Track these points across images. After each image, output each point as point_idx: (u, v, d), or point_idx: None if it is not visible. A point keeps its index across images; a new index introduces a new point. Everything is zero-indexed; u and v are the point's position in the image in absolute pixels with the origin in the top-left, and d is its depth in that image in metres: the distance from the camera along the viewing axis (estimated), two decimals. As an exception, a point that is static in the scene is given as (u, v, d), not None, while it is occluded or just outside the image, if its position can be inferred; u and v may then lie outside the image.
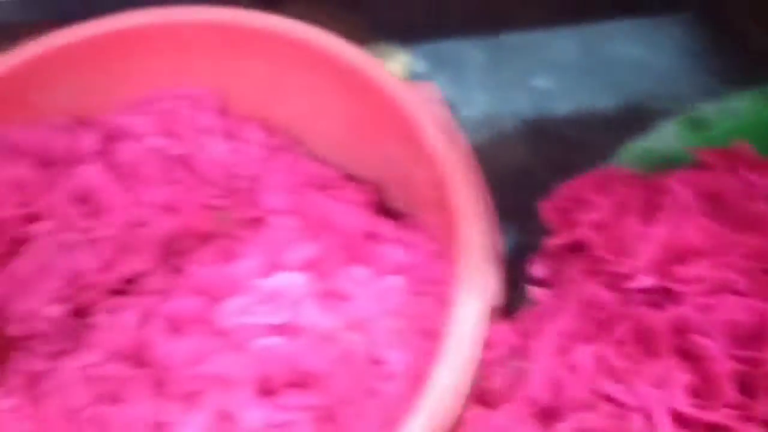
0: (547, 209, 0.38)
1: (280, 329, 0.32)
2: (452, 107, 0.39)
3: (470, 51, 0.66)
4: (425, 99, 0.36)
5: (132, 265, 0.35)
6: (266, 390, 0.31)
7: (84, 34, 0.40)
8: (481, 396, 0.34)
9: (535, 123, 0.64)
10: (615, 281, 0.34)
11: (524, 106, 0.64)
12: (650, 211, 0.36)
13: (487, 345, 0.33)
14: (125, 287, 0.35)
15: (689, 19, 0.67)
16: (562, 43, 0.66)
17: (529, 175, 0.59)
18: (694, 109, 0.47)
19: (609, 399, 0.32)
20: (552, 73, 0.65)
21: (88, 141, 0.38)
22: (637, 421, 0.31)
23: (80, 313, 0.35)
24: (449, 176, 0.33)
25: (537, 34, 0.67)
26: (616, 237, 0.35)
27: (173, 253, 0.36)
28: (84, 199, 0.36)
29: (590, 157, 0.61)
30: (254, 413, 0.30)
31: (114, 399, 0.31)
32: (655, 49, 0.66)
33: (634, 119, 0.63)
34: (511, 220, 0.40)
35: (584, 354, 0.33)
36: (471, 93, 0.64)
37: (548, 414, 0.34)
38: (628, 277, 0.34)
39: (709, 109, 0.47)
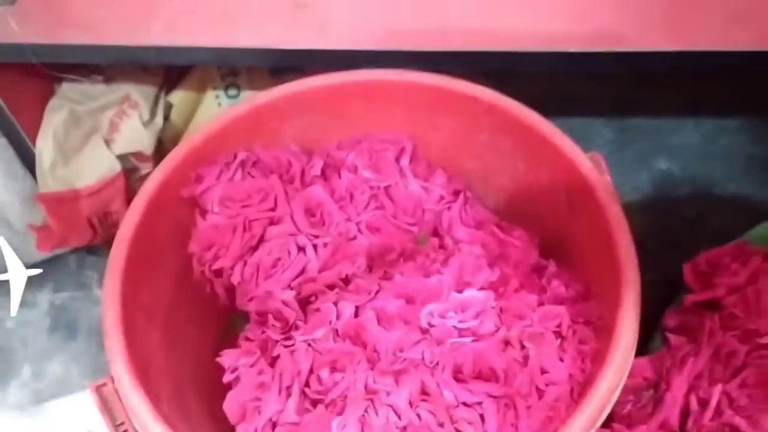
0: (688, 271, 0.45)
1: (468, 332, 0.40)
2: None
3: (600, 129, 0.75)
4: (597, 167, 0.44)
5: (347, 267, 0.44)
6: (458, 378, 0.38)
7: (315, 84, 0.50)
8: (612, 415, 0.41)
9: (655, 200, 0.71)
10: (746, 336, 0.41)
11: (645, 183, 0.72)
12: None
13: (629, 374, 0.40)
14: (339, 284, 0.44)
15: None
16: (684, 132, 0.74)
17: (644, 247, 0.66)
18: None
19: (734, 429, 0.39)
20: (673, 158, 0.73)
21: (317, 166, 0.48)
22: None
23: (304, 300, 0.43)
24: (618, 235, 0.41)
25: (661, 121, 0.75)
26: (749, 299, 0.42)
27: (379, 264, 0.44)
28: (311, 212, 0.46)
29: (703, 235, 0.67)
30: (450, 392, 0.37)
31: (335, 367, 0.40)
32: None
33: (744, 206, 0.70)
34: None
35: (714, 392, 0.40)
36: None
37: (678, 438, 0.41)
38: (758, 333, 0.41)
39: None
